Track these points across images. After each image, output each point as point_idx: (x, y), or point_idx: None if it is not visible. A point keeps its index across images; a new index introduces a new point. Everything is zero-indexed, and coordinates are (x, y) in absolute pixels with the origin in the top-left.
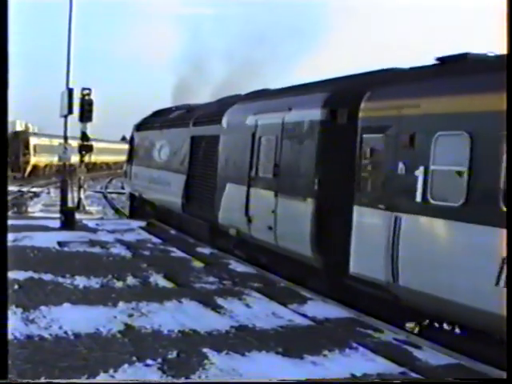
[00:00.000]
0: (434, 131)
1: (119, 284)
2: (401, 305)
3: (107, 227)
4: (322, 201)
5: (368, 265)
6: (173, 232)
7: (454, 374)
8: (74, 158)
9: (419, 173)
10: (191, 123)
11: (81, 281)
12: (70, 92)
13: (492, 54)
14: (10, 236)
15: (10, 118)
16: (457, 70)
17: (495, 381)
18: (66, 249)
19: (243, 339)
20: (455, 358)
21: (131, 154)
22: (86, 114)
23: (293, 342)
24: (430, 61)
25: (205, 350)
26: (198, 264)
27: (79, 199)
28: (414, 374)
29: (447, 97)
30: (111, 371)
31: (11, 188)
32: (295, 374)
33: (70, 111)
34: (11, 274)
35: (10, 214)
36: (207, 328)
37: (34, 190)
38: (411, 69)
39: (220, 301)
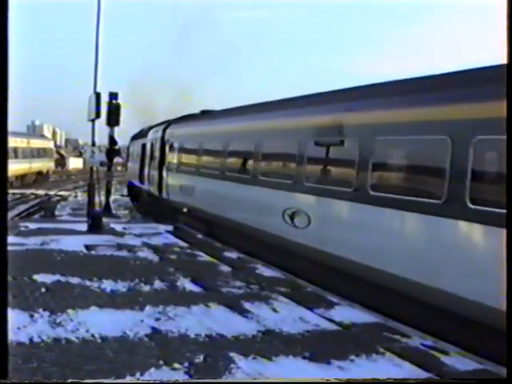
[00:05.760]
0: (175, 143)
1: (146, 288)
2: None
3: (134, 231)
4: (160, 171)
5: (164, 193)
6: (200, 236)
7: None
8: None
9: (172, 155)
10: (143, 136)
11: (108, 284)
12: (98, 96)
13: (216, 109)
14: (38, 239)
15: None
16: (195, 118)
17: (495, 381)
18: (93, 252)
19: (270, 344)
20: (482, 364)
21: (128, 156)
22: (113, 117)
23: (320, 346)
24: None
25: (231, 354)
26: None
27: (106, 203)
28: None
29: (181, 129)
30: (138, 375)
31: (38, 191)
32: None
33: (98, 115)
34: (39, 277)
35: (36, 217)
36: (234, 332)
37: (61, 193)
38: (193, 114)
39: (247, 305)
